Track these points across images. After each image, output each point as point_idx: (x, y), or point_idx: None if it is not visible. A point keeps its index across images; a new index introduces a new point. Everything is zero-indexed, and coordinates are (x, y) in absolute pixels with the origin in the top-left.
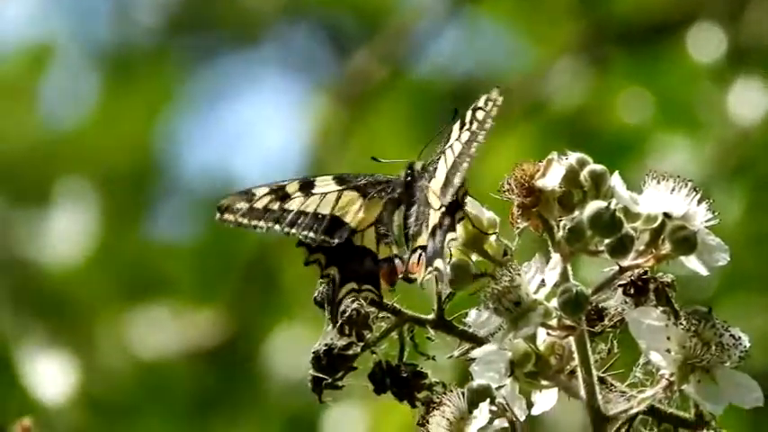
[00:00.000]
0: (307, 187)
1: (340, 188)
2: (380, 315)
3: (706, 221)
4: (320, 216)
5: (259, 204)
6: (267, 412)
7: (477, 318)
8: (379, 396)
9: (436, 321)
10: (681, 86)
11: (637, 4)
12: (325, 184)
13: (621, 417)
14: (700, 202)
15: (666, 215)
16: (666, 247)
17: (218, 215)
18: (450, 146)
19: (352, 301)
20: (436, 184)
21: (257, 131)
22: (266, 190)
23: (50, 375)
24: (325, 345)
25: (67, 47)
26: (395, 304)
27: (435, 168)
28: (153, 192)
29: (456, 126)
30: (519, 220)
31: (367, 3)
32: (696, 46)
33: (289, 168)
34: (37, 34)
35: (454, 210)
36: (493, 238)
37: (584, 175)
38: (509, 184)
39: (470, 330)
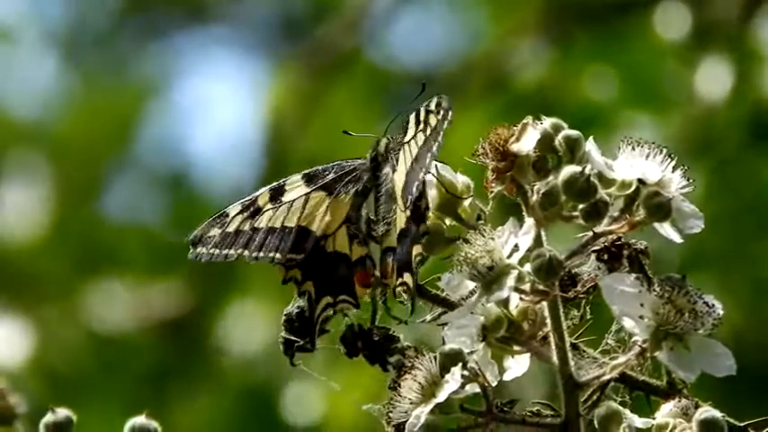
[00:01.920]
0: (277, 195)
1: (308, 190)
2: None
3: (681, 188)
4: (287, 230)
5: (231, 228)
6: (222, 386)
7: (450, 282)
8: (350, 359)
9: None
10: (646, 64)
11: None
12: (294, 188)
13: (593, 383)
14: (675, 168)
15: (641, 181)
16: (641, 214)
17: (191, 250)
18: (408, 142)
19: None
20: (399, 179)
21: (214, 108)
22: (239, 208)
23: (5, 345)
24: (298, 307)
25: (21, 28)
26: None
27: (397, 159)
28: (108, 168)
29: (412, 117)
30: (493, 185)
31: None
32: (661, 23)
33: (246, 145)
34: None
35: (419, 220)
36: (467, 202)
37: (558, 140)
38: (483, 148)
39: (443, 294)
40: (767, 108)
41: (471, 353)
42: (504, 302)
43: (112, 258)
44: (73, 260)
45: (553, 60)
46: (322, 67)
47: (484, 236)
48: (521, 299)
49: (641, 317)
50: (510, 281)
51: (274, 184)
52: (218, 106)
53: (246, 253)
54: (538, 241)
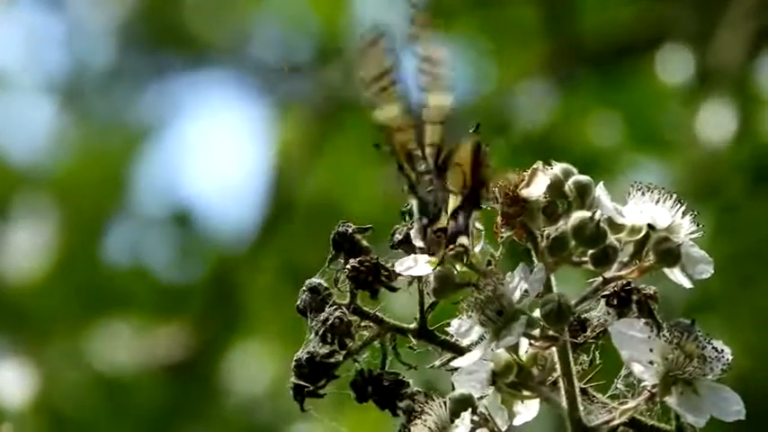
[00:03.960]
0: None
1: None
2: (363, 324)
3: (690, 233)
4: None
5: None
6: (228, 427)
7: (460, 327)
8: (360, 405)
9: (418, 330)
10: (649, 107)
11: (604, 25)
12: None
13: (603, 428)
14: (684, 214)
15: (651, 227)
16: (650, 259)
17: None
18: None
19: (335, 310)
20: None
21: (216, 150)
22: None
23: (9, 386)
24: (308, 352)
25: (20, 74)
26: (377, 313)
27: None
28: (110, 210)
29: None
30: (503, 230)
31: (323, 24)
32: (664, 67)
33: (249, 187)
34: None
35: (476, 193)
36: (477, 248)
37: (568, 185)
38: (493, 194)
39: (453, 340)
40: None
41: (481, 398)
42: (514, 348)
43: (116, 300)
44: (77, 301)
45: (557, 104)
46: (327, 110)
47: (494, 281)
48: (530, 344)
49: (650, 362)
50: (520, 326)
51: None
52: (220, 148)
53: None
54: (548, 287)
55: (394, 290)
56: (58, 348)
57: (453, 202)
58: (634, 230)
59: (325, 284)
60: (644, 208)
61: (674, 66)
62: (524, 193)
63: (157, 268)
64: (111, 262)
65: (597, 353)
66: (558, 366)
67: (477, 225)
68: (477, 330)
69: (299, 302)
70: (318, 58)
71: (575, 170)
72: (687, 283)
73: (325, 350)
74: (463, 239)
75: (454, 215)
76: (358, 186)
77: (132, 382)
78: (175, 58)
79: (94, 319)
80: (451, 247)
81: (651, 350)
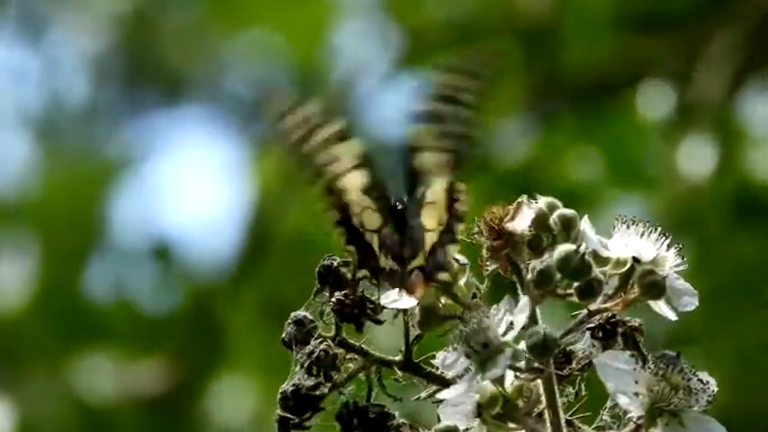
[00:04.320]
0: (339, 137)
1: (355, 164)
2: (348, 356)
3: (675, 266)
4: (326, 170)
5: (312, 120)
6: None
7: (445, 360)
8: None
9: (404, 363)
10: (630, 143)
11: (585, 61)
12: (349, 150)
13: None
14: (669, 246)
15: (636, 259)
16: (635, 291)
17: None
18: None
19: (320, 342)
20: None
21: (194, 184)
22: (315, 107)
23: None
24: (293, 385)
25: None
26: (363, 345)
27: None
28: (90, 243)
29: None
30: (488, 263)
31: (299, 57)
32: (645, 103)
33: (227, 221)
34: None
35: (455, 226)
36: (462, 280)
37: (553, 218)
38: (479, 228)
39: (438, 372)
40: (750, 186)
41: (466, 430)
42: (500, 380)
43: (97, 332)
44: (57, 334)
45: (538, 139)
46: None
47: (479, 314)
48: (516, 376)
49: (636, 394)
50: (505, 358)
51: (345, 126)
52: (198, 182)
53: (304, 145)
54: (533, 319)
55: (379, 323)
56: (39, 380)
57: (430, 239)
58: (619, 263)
59: (311, 317)
60: (629, 241)
61: (654, 101)
62: (509, 226)
63: (137, 301)
64: (91, 294)
65: (582, 385)
66: (543, 398)
67: (462, 258)
68: (463, 362)
69: (284, 335)
70: (296, 92)
71: (559, 204)
72: (672, 316)
73: (310, 382)
74: (443, 275)
75: (432, 252)
76: None
77: (113, 415)
78: (152, 93)
79: (75, 352)
80: (432, 284)
81: (636, 382)
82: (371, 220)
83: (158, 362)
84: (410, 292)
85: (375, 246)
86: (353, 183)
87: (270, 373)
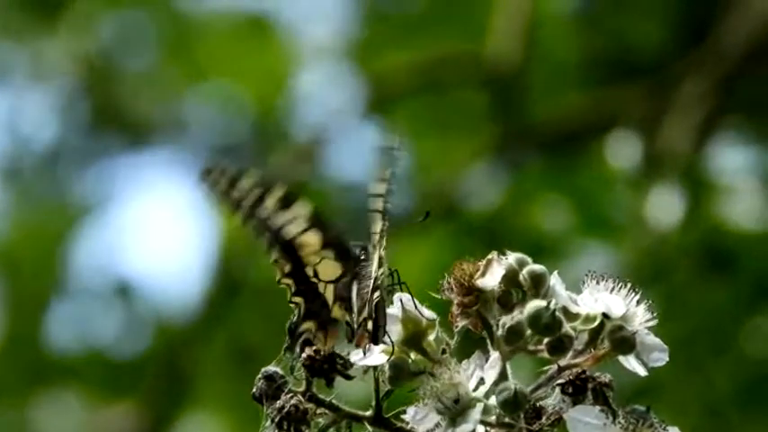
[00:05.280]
0: (288, 202)
1: (307, 226)
2: (319, 411)
3: (645, 321)
4: (282, 234)
5: (243, 184)
6: None
7: (416, 415)
8: None
9: (374, 418)
10: (597, 192)
11: (553, 110)
12: (300, 210)
13: None
14: (639, 302)
15: (605, 315)
16: (605, 347)
17: (202, 175)
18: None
19: (291, 397)
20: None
21: (159, 229)
22: (253, 180)
23: None
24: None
25: None
26: (333, 400)
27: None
28: (54, 288)
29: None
30: (458, 319)
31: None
32: (613, 152)
33: (192, 264)
34: None
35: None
36: (432, 336)
37: (523, 274)
38: (449, 284)
39: (408, 427)
40: (718, 235)
41: None
42: None
43: (63, 376)
44: (23, 377)
45: (505, 188)
46: None
47: (449, 369)
48: (487, 431)
49: None
50: (476, 414)
51: (290, 191)
52: (162, 227)
53: (247, 215)
54: (503, 375)
55: (349, 378)
56: (3, 423)
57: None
58: (589, 319)
59: (281, 372)
60: (599, 296)
61: (622, 151)
62: (479, 283)
63: (103, 345)
64: (56, 339)
65: None
66: None
67: (431, 314)
68: (433, 418)
69: (254, 390)
70: (258, 139)
71: (529, 259)
72: (642, 371)
73: None
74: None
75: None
76: None
77: None
78: (115, 138)
79: (40, 396)
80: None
81: None
82: (329, 270)
83: (125, 406)
84: (357, 345)
85: (329, 297)
86: (311, 239)
87: (238, 415)
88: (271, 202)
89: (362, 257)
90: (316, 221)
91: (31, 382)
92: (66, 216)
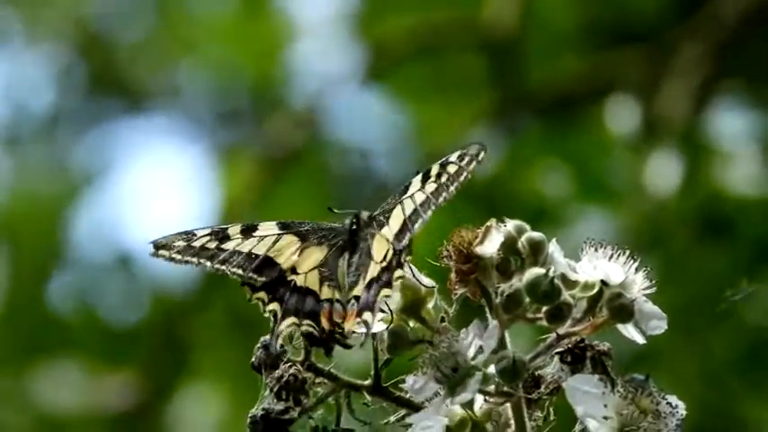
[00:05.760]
0: (248, 231)
1: (280, 232)
2: (317, 380)
3: (644, 289)
4: (253, 256)
5: (197, 243)
6: None
7: (414, 384)
8: None
9: (373, 387)
10: (596, 157)
11: (551, 75)
12: (267, 228)
13: None
14: (637, 269)
15: (604, 283)
16: (604, 315)
17: (152, 250)
18: (411, 196)
19: (290, 367)
20: (388, 231)
21: (159, 195)
22: (207, 231)
23: None
24: (263, 409)
25: None
26: (332, 370)
27: (389, 217)
28: (55, 255)
29: (417, 179)
30: (457, 287)
31: (256, 73)
32: (612, 117)
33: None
34: None
35: (394, 268)
36: (431, 304)
37: (522, 242)
38: (447, 251)
39: (407, 396)
40: (716, 201)
41: None
42: (469, 404)
43: (62, 343)
44: (23, 344)
45: (504, 154)
46: (272, 159)
47: (448, 338)
48: (485, 400)
49: (605, 417)
50: (475, 382)
51: (247, 222)
52: (162, 192)
53: (209, 264)
54: (502, 343)
55: (348, 347)
56: (2, 388)
57: (372, 270)
58: (587, 287)
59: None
60: (597, 264)
61: (621, 116)
62: (478, 250)
63: (102, 312)
64: (56, 305)
65: (551, 408)
66: (512, 422)
67: (430, 281)
68: (432, 387)
69: (253, 359)
70: (255, 105)
71: (527, 227)
72: (640, 339)
73: (280, 407)
74: (367, 316)
75: (369, 285)
76: None
77: (76, 426)
78: (114, 104)
79: (40, 362)
80: (358, 320)
81: (605, 406)
82: (313, 256)
83: (124, 373)
84: (344, 321)
85: (315, 282)
86: (287, 239)
87: (237, 384)
88: (233, 240)
89: (353, 227)
90: (284, 227)
91: (31, 350)
92: (66, 183)
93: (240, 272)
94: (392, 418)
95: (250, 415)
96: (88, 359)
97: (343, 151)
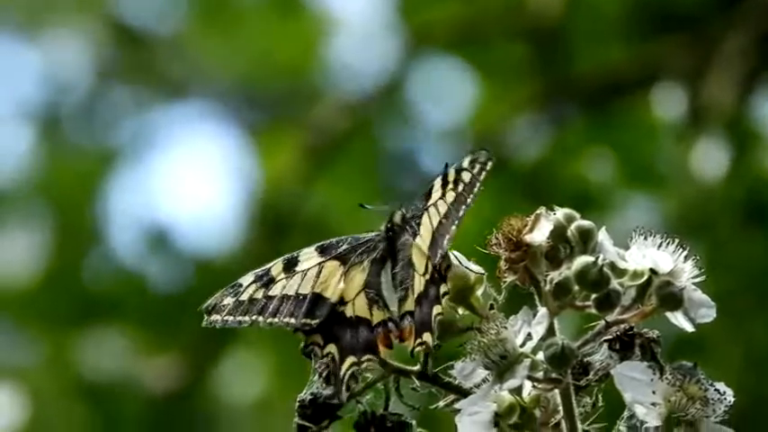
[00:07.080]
0: (290, 265)
1: (321, 260)
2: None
3: (693, 277)
4: (301, 297)
5: (245, 296)
6: None
7: (463, 370)
8: None
9: (421, 372)
10: (642, 144)
11: (597, 63)
12: (307, 258)
13: None
14: (687, 258)
15: (653, 271)
16: (653, 303)
17: (205, 318)
18: (434, 203)
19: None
20: (422, 242)
21: (201, 173)
22: (251, 278)
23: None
24: (311, 394)
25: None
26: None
27: (419, 224)
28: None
29: (438, 181)
30: (506, 275)
31: (293, 62)
32: (657, 104)
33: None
34: None
35: (439, 281)
36: (479, 291)
37: (571, 230)
38: (497, 239)
39: (456, 382)
40: (762, 187)
41: None
42: (517, 390)
43: (104, 312)
44: (66, 309)
45: (550, 140)
46: (315, 146)
47: (497, 325)
48: (534, 386)
49: (653, 404)
50: (523, 369)
51: (287, 255)
52: (204, 170)
53: (261, 319)
54: (551, 330)
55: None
56: (46, 354)
57: (419, 282)
58: (636, 275)
59: None
60: (646, 252)
61: (666, 103)
62: (527, 238)
63: (145, 281)
64: (98, 274)
65: (599, 395)
66: (560, 408)
67: (479, 269)
68: (481, 373)
69: (302, 346)
70: (295, 94)
71: (577, 215)
72: (689, 327)
73: (328, 391)
74: (427, 337)
75: (419, 301)
76: (349, 210)
77: (118, 393)
78: (154, 92)
79: (82, 329)
80: (418, 341)
81: (654, 392)
82: (357, 279)
83: (168, 344)
84: (402, 342)
85: (363, 307)
86: (330, 265)
87: (282, 352)
88: (278, 282)
89: (390, 233)
90: (323, 251)
91: (74, 319)
92: (105, 159)
93: (294, 320)
94: (441, 404)
95: (299, 399)
96: (131, 329)
97: (389, 139)
